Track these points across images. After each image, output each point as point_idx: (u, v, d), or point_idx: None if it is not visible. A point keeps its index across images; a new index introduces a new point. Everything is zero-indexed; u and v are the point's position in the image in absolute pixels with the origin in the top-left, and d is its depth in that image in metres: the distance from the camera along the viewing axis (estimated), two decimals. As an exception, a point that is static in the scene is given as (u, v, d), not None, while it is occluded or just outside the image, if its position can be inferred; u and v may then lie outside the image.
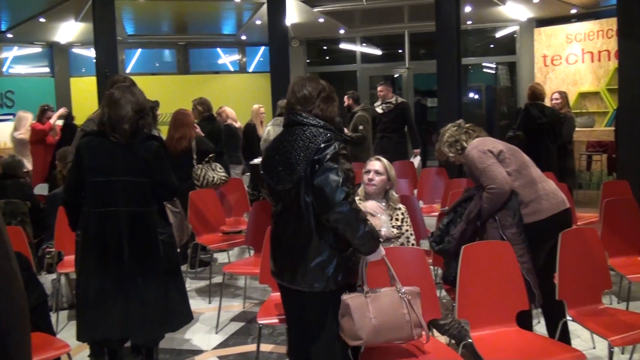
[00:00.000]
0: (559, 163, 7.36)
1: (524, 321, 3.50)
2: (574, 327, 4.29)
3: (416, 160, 8.44)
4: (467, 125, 3.94)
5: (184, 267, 6.31)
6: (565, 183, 6.11)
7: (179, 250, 6.35)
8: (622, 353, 4.16)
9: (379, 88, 8.84)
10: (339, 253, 2.84)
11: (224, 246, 5.85)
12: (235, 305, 5.43)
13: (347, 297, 2.85)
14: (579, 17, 12.24)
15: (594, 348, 4.26)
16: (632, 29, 6.24)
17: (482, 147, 3.70)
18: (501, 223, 3.58)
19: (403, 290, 2.93)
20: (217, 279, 5.95)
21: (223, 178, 6.22)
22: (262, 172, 3.08)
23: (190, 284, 6.05)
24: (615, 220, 4.83)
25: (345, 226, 2.77)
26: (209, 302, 5.54)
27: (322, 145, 2.79)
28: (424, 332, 3.00)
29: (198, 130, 6.41)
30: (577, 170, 10.94)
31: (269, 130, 7.18)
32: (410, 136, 8.67)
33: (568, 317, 3.54)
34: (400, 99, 8.65)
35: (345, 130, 8.13)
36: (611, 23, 10.79)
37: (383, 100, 8.62)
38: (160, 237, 3.69)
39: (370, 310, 2.84)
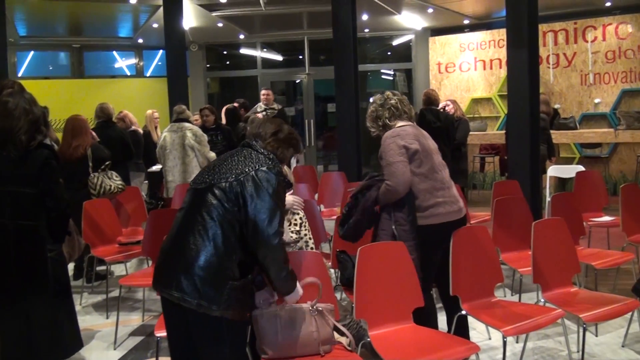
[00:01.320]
0: (453, 165, 7.64)
1: (427, 318, 3.60)
2: (470, 320, 4.46)
3: (293, 162, 8.61)
4: (393, 101, 3.88)
5: (79, 282, 6.07)
6: (458, 184, 6.34)
7: (73, 264, 6.16)
8: (517, 342, 4.37)
9: (265, 92, 8.93)
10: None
11: (120, 258, 5.59)
12: (133, 319, 5.24)
13: (257, 312, 2.87)
14: (472, 27, 12.80)
15: (490, 339, 4.45)
16: (520, 40, 6.56)
17: (400, 140, 3.69)
18: (395, 219, 3.66)
19: (316, 307, 2.97)
20: (115, 293, 5.71)
21: (120, 186, 6.03)
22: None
23: (87, 299, 5.81)
24: (505, 217, 5.08)
25: (272, 262, 2.75)
26: (107, 317, 5.31)
27: (264, 170, 2.76)
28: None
29: (95, 136, 6.20)
30: (471, 171, 11.44)
31: (165, 136, 7.03)
32: None
33: (463, 311, 3.67)
34: (279, 105, 8.81)
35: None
36: (502, 33, 11.28)
37: (267, 105, 8.71)
38: (49, 254, 3.50)
39: (278, 326, 2.86)
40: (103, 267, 6.16)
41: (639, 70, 11.08)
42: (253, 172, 2.74)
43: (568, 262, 4.14)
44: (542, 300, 3.91)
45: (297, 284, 2.97)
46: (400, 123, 3.85)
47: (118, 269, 6.73)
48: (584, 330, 3.63)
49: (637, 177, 10.39)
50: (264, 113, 8.59)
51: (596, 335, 4.51)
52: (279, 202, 2.78)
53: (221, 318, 2.63)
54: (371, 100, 3.97)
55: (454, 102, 9.02)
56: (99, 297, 5.86)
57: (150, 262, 5.21)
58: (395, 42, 14.20)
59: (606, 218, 6.07)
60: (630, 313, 4.08)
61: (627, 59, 11.19)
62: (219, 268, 2.64)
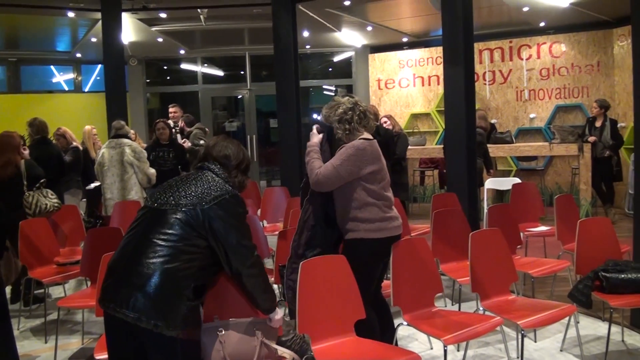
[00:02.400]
0: (394, 178, 7.72)
1: (369, 329, 3.62)
2: (412, 331, 4.52)
3: None
4: (362, 108, 3.85)
5: (17, 306, 5.87)
6: (399, 197, 6.45)
7: (10, 287, 5.95)
8: (458, 350, 4.45)
9: (173, 109, 8.90)
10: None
11: (58, 279, 5.40)
12: (73, 343, 5.08)
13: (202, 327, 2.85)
14: (410, 45, 13.07)
15: (432, 349, 4.52)
16: (456, 58, 6.73)
17: (359, 160, 3.68)
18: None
19: (258, 328, 2.96)
20: (53, 316, 5.53)
21: (56, 205, 5.86)
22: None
23: (25, 324, 5.61)
24: (444, 229, 5.18)
25: (256, 281, 2.80)
26: (45, 342, 5.12)
27: (227, 197, 2.77)
28: None
29: (26, 154, 6.01)
30: (411, 184, 11.63)
31: (103, 152, 6.88)
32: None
33: (403, 322, 3.71)
34: (184, 124, 8.82)
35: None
36: (439, 51, 11.51)
37: (175, 123, 8.70)
38: None
39: (222, 343, 2.84)
40: (41, 290, 5.97)
41: (572, 87, 11.54)
42: (219, 199, 2.75)
43: (505, 271, 4.24)
44: (481, 308, 4.00)
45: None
46: (364, 134, 3.84)
47: (56, 291, 6.53)
48: (522, 336, 3.73)
49: (572, 189, 10.75)
50: (174, 130, 8.56)
51: (535, 341, 4.64)
52: (245, 222, 2.83)
53: (176, 338, 2.60)
54: (336, 100, 3.88)
55: (390, 117, 9.20)
56: (37, 321, 5.66)
57: (89, 283, 5.06)
58: (336, 59, 14.36)
59: (542, 228, 6.26)
60: (567, 318, 4.21)
61: (561, 76, 11.64)
62: (175, 288, 2.61)
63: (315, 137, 3.88)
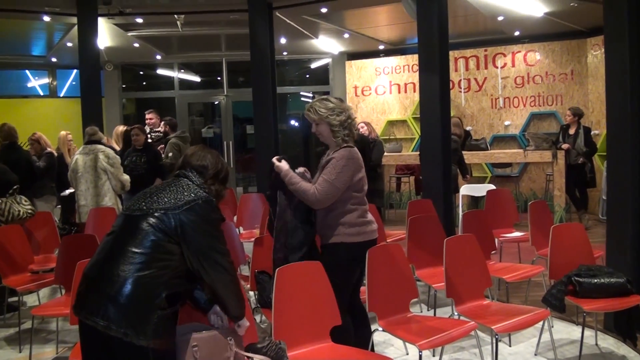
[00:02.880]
0: (370, 185, 7.75)
1: (344, 335, 3.63)
2: (387, 337, 4.54)
3: None
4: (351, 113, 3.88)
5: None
6: (375, 204, 6.48)
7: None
8: (433, 355, 4.47)
9: (148, 116, 8.86)
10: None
11: (33, 287, 5.34)
12: (47, 352, 5.00)
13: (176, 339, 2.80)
14: (387, 53, 13.15)
15: (407, 354, 4.54)
16: (431, 65, 6.79)
17: (353, 167, 3.73)
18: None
19: (230, 337, 2.94)
20: (28, 324, 5.43)
21: (29, 211, 5.79)
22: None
23: (-1, 333, 5.54)
24: (420, 235, 5.22)
25: (228, 288, 2.77)
26: (20, 351, 5.04)
27: (200, 202, 2.73)
28: None
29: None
30: (387, 191, 11.68)
31: (77, 159, 6.81)
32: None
33: (379, 328, 3.73)
34: (165, 128, 8.77)
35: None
36: (415, 58, 11.61)
37: (151, 129, 8.66)
38: None
39: (194, 353, 2.82)
40: (15, 298, 5.89)
41: (546, 95, 11.70)
42: (191, 203, 2.72)
43: (480, 276, 4.28)
44: (456, 314, 4.02)
45: None
46: (351, 142, 3.87)
47: (30, 299, 6.44)
48: (497, 340, 3.76)
49: (546, 195, 10.88)
50: (149, 136, 8.50)
51: (510, 345, 4.68)
52: (219, 228, 2.80)
53: (147, 348, 2.56)
54: (334, 102, 3.83)
55: (368, 124, 9.27)
56: (11, 330, 5.57)
57: (63, 291, 5.00)
58: (313, 65, 14.39)
59: (516, 234, 6.32)
60: (541, 322, 4.24)
61: (535, 84, 11.79)
62: (147, 297, 2.57)
63: (284, 164, 3.88)
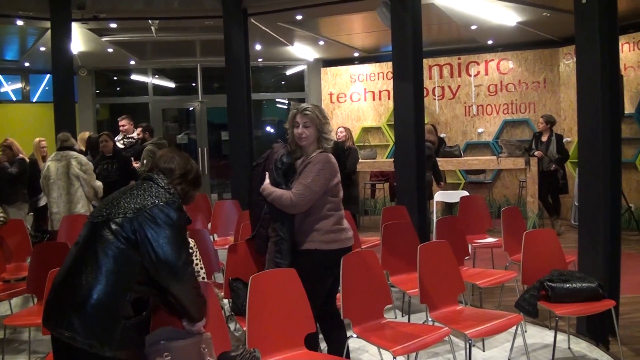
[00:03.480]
0: (345, 192, 7.76)
1: (311, 342, 3.62)
2: (362, 343, 4.54)
3: None
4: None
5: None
6: (350, 210, 6.48)
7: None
8: (408, 361, 4.48)
9: (122, 122, 8.81)
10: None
11: (4, 296, 5.24)
12: (19, 363, 4.91)
13: (147, 349, 2.77)
14: (362, 60, 13.21)
15: (381, 361, 4.54)
16: (405, 73, 6.84)
17: (330, 172, 3.73)
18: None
19: (203, 345, 2.92)
20: (0, 334, 5.32)
21: (1, 219, 5.71)
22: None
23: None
24: (394, 242, 5.23)
25: (187, 294, 2.72)
26: (-10, 362, 4.96)
27: (162, 204, 2.67)
28: None
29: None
30: (362, 197, 11.71)
31: (49, 165, 6.71)
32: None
33: (353, 334, 3.72)
34: (139, 132, 8.75)
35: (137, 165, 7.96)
36: (390, 66, 11.64)
37: (124, 135, 8.61)
38: None
39: None
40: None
41: (519, 103, 11.85)
42: (151, 206, 2.65)
43: (453, 282, 4.31)
44: (430, 319, 4.04)
45: None
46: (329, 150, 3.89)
47: (2, 308, 6.30)
48: (470, 346, 3.77)
49: (519, 201, 10.99)
50: (122, 142, 8.45)
51: (483, 350, 4.71)
52: (182, 233, 2.73)
53: (113, 359, 2.52)
54: (309, 106, 3.89)
55: (347, 129, 9.29)
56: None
57: (36, 300, 4.91)
58: (288, 72, 14.40)
59: (489, 239, 6.38)
60: (514, 327, 4.29)
61: (508, 92, 11.94)
62: (111, 306, 2.52)
63: (266, 180, 3.90)
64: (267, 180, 3.88)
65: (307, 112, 3.82)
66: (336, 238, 3.76)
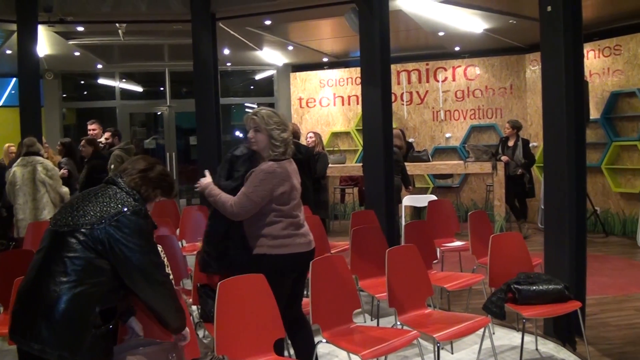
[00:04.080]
0: (314, 197, 7.81)
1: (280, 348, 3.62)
2: (332, 348, 4.54)
3: None
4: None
5: None
6: (319, 215, 6.50)
7: None
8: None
9: (92, 127, 8.74)
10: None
11: (-32, 306, 5.16)
12: (-17, 373, 4.80)
13: (115, 357, 2.73)
14: (331, 65, 13.25)
15: (351, 365, 4.54)
16: (373, 78, 6.87)
17: (274, 178, 3.69)
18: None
19: (173, 353, 2.89)
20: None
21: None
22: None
23: None
24: (362, 246, 5.25)
25: (165, 301, 2.70)
26: (-48, 372, 4.83)
27: (128, 213, 2.61)
28: None
29: None
30: (332, 202, 11.74)
31: (15, 171, 6.60)
32: None
33: (322, 339, 3.73)
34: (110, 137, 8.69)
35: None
36: (359, 71, 11.69)
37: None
38: None
39: None
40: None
41: (486, 108, 12.00)
42: (117, 215, 2.60)
43: (421, 285, 4.34)
44: (399, 323, 4.06)
45: None
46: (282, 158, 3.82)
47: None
48: (439, 349, 3.81)
49: (487, 205, 11.12)
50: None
51: (452, 353, 4.76)
52: (151, 239, 2.70)
53: None
54: (282, 117, 3.82)
55: (317, 134, 9.30)
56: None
57: (1, 309, 4.81)
58: (257, 77, 14.38)
59: (457, 243, 6.44)
60: (482, 329, 4.33)
61: (475, 98, 12.09)
62: (80, 315, 2.48)
63: (207, 178, 3.90)
64: (208, 178, 3.89)
65: (255, 117, 3.79)
66: (286, 243, 3.74)
